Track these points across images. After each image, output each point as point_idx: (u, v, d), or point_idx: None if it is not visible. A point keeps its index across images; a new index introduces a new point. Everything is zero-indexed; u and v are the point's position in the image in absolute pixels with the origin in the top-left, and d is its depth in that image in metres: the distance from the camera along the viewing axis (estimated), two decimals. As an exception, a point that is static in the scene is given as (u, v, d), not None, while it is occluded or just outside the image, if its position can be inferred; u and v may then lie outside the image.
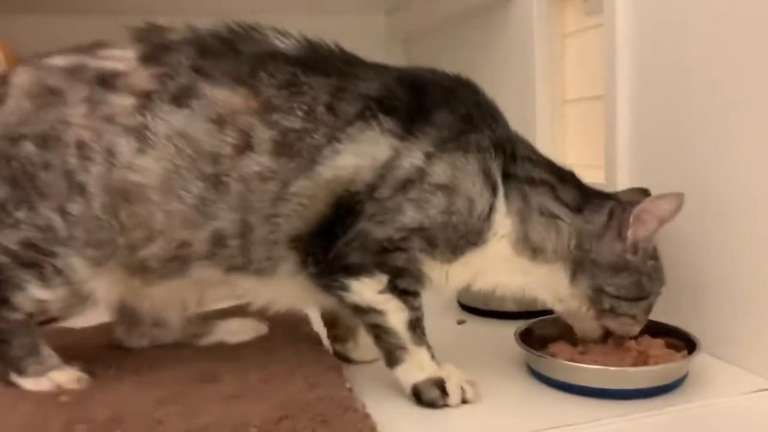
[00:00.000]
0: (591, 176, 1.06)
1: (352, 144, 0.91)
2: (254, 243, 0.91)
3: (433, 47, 2.07)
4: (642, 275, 0.98)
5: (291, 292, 0.98)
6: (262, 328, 1.14)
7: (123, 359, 1.04)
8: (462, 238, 0.94)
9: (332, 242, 0.91)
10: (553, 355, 1.02)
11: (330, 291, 0.94)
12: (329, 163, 0.90)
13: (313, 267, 0.92)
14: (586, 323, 1.03)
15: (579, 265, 0.98)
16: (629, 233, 0.96)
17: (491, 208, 0.95)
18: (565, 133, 1.49)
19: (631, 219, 0.96)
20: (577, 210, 0.98)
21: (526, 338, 1.06)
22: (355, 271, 0.91)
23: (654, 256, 0.99)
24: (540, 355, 1.01)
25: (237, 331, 1.13)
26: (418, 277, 0.95)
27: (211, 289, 1.01)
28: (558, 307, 1.03)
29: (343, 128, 0.91)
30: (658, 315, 1.04)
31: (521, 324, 1.09)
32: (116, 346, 1.09)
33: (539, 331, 1.09)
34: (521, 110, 1.45)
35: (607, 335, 1.04)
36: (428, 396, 0.92)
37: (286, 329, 1.14)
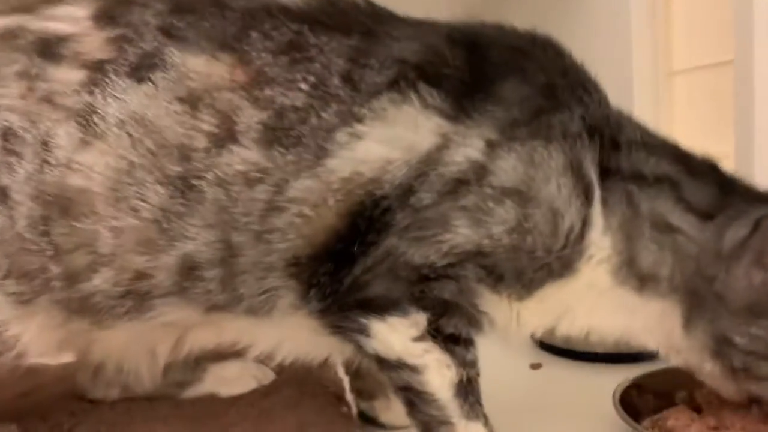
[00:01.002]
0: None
1: (380, 126, 0.64)
2: (240, 272, 0.65)
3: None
4: None
5: (297, 335, 0.70)
6: (266, 376, 0.87)
7: (89, 413, 0.80)
8: (541, 267, 0.66)
9: (345, 268, 0.64)
10: (668, 430, 0.70)
11: (344, 335, 0.66)
12: (345, 155, 0.63)
13: (318, 302, 0.65)
14: (723, 383, 0.72)
15: (697, 300, 0.68)
16: None
17: (584, 223, 0.66)
18: (673, 113, 1.16)
19: None
20: (707, 216, 0.68)
21: (630, 401, 0.75)
22: (380, 307, 0.64)
23: None
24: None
25: (233, 379, 0.86)
26: (474, 319, 0.67)
27: (189, 333, 0.74)
28: (675, 361, 0.73)
29: (367, 103, 0.64)
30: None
31: (623, 380, 0.78)
32: (79, 397, 0.84)
33: (651, 388, 0.78)
34: (613, 86, 1.13)
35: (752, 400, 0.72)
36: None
37: (299, 376, 0.86)
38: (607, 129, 0.69)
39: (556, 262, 0.66)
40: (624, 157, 0.69)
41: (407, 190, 0.62)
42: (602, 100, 0.71)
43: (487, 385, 0.93)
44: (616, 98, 1.15)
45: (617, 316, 0.71)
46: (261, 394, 0.83)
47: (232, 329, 0.71)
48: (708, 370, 0.70)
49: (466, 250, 0.63)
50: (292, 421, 0.74)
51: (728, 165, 0.96)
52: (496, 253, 0.64)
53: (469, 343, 0.66)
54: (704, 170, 0.71)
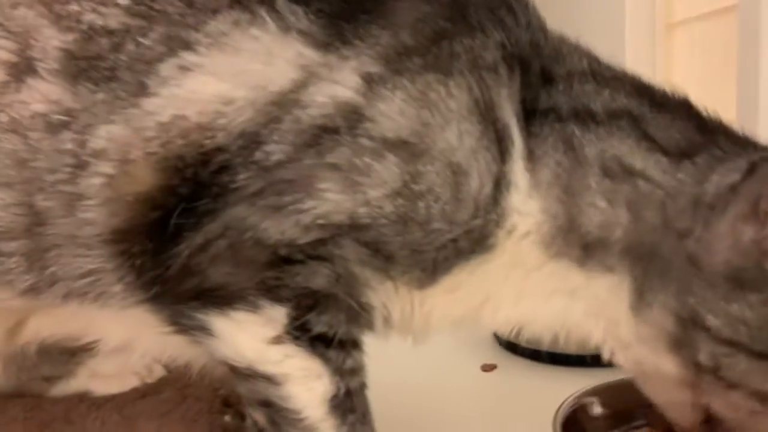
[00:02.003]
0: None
1: (218, 55, 0.48)
2: (51, 247, 0.50)
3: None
4: None
5: (145, 331, 0.55)
6: (151, 373, 0.73)
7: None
8: (444, 245, 0.50)
9: (169, 247, 0.48)
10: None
11: (186, 334, 0.51)
12: (168, 92, 0.48)
13: (145, 291, 0.50)
14: (670, 395, 0.55)
15: (657, 266, 0.51)
16: None
17: (498, 183, 0.50)
18: (672, 68, 0.99)
19: None
20: (683, 156, 0.52)
21: (580, 420, 0.59)
22: (221, 299, 0.49)
23: None
24: None
25: (110, 375, 0.72)
26: (356, 314, 0.51)
27: (27, 320, 0.60)
28: (622, 359, 0.56)
29: (201, 25, 0.48)
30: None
31: (570, 399, 0.62)
32: None
33: (605, 407, 0.62)
34: (606, 39, 0.97)
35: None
36: None
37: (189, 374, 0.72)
38: (536, 59, 0.53)
39: (464, 237, 0.50)
40: (561, 92, 0.53)
41: (252, 142, 0.47)
42: (532, 23, 0.54)
43: (426, 388, 0.81)
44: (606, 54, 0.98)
45: (552, 301, 0.54)
46: (137, 395, 0.70)
47: (68, 319, 0.57)
48: (660, 372, 0.53)
49: (336, 222, 0.48)
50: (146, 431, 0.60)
51: (731, 120, 0.80)
52: (378, 225, 0.48)
53: (349, 345, 0.51)
54: (675, 104, 0.54)
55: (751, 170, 0.50)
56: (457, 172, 0.49)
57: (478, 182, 0.49)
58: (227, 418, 0.65)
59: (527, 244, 0.52)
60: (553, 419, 0.59)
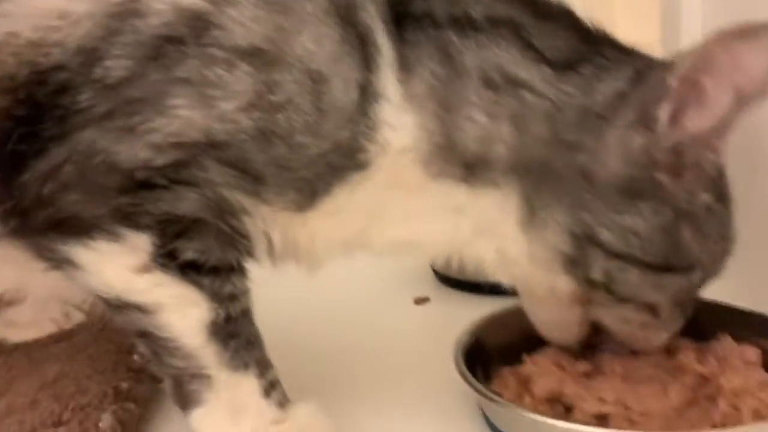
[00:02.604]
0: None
1: None
2: None
3: None
4: (683, 218, 0.49)
5: (27, 268, 0.53)
6: (69, 318, 0.72)
7: None
8: (313, 161, 0.48)
9: (15, 176, 0.46)
10: (524, 383, 0.54)
11: (54, 266, 0.50)
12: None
13: (4, 221, 0.48)
14: (559, 314, 0.55)
15: (547, 182, 0.50)
16: (662, 113, 0.47)
17: (364, 92, 0.48)
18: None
19: (673, 83, 0.46)
20: (566, 66, 0.50)
21: (481, 350, 0.58)
22: (78, 229, 0.47)
23: (717, 187, 0.50)
24: (488, 396, 0.52)
25: (26, 322, 0.71)
26: (230, 238, 0.49)
27: None
28: (513, 279, 0.56)
29: None
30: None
31: (474, 322, 0.60)
32: None
33: (504, 334, 0.60)
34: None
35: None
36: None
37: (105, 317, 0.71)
38: None
39: (333, 152, 0.48)
40: None
41: (91, 58, 0.44)
42: None
43: (355, 321, 0.80)
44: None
45: (438, 221, 0.52)
46: (51, 340, 0.68)
47: None
48: (553, 292, 0.52)
49: (191, 140, 0.45)
50: (49, 374, 0.59)
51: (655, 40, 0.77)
52: (238, 142, 0.46)
53: (225, 270, 0.49)
54: (558, 14, 0.52)
55: (638, 77, 0.48)
56: (316, 80, 0.46)
57: (341, 90, 0.47)
58: (136, 357, 0.64)
59: (405, 163, 0.50)
60: (454, 349, 0.57)
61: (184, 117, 0.45)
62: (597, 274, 0.50)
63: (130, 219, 0.46)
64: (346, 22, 0.47)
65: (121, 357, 0.63)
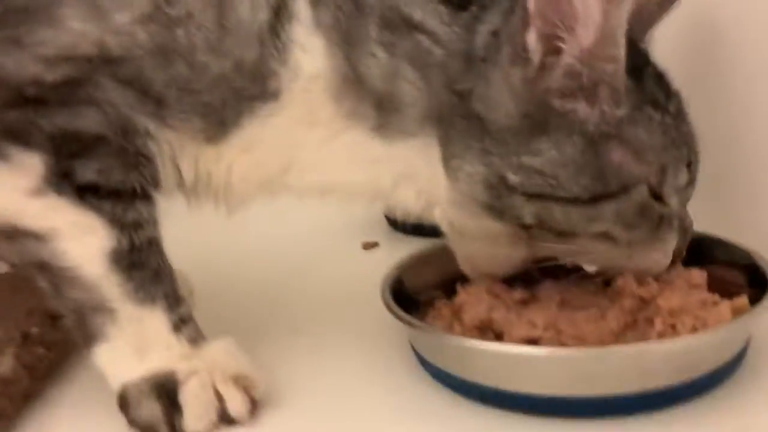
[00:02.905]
0: None
1: None
2: None
3: None
4: (601, 141, 0.46)
5: None
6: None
7: None
8: (217, 84, 0.46)
9: None
10: (456, 313, 0.51)
11: None
12: None
13: None
14: (495, 252, 0.52)
15: (454, 129, 0.47)
16: (530, 40, 0.44)
17: (277, 12, 0.45)
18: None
19: (532, 4, 0.43)
20: (461, 6, 0.47)
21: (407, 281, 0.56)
22: None
23: (639, 95, 0.47)
24: (412, 322, 0.50)
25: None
26: (134, 161, 0.47)
27: None
28: (446, 226, 0.53)
29: None
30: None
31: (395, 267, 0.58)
32: None
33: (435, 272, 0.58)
34: None
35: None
36: (141, 415, 0.46)
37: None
38: None
39: (237, 74, 0.45)
40: None
41: None
42: None
43: (302, 265, 0.77)
44: None
45: (357, 171, 0.50)
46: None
47: None
48: (489, 235, 0.50)
49: (83, 54, 0.43)
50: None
51: None
52: (134, 58, 0.43)
53: (128, 195, 0.46)
54: None
55: (510, 10, 0.45)
56: None
57: (248, 5, 0.44)
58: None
59: (317, 94, 0.47)
60: (381, 283, 0.55)
61: (75, 29, 0.42)
62: (528, 218, 0.47)
63: (20, 137, 0.44)
64: None
65: (39, 302, 0.60)
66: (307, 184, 0.52)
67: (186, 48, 0.44)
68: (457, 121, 0.47)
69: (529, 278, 0.55)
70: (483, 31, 0.47)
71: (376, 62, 0.47)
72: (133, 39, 0.44)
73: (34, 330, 0.55)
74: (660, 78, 0.50)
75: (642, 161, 0.47)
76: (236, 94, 0.47)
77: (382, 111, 0.48)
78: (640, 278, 0.51)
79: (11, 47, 0.43)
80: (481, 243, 0.52)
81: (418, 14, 0.47)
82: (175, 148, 0.48)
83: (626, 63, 0.46)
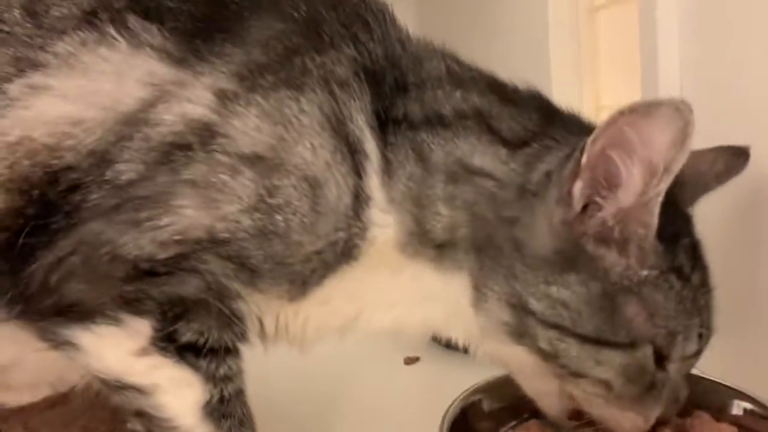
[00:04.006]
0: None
1: (67, 75, 0.49)
2: None
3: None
4: (619, 293, 0.51)
5: (27, 346, 0.55)
6: (65, 381, 0.74)
7: None
8: (308, 258, 0.52)
9: (25, 266, 0.49)
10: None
11: (56, 348, 0.52)
12: (16, 114, 0.48)
13: (10, 307, 0.51)
14: (539, 385, 0.58)
15: (490, 257, 0.53)
16: (576, 189, 0.50)
17: (357, 197, 0.52)
18: (598, 55, 0.98)
19: (584, 159, 0.49)
20: (520, 145, 0.54)
21: (466, 421, 0.60)
22: (81, 314, 0.50)
23: (666, 263, 0.52)
24: None
25: (21, 386, 0.73)
26: (229, 321, 0.52)
27: None
28: (481, 354, 0.59)
29: (51, 44, 0.49)
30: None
31: (459, 398, 0.63)
32: None
33: (494, 403, 0.63)
34: (527, 23, 0.96)
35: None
36: None
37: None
38: (390, 69, 0.54)
39: (329, 249, 0.52)
40: (413, 101, 0.54)
41: (102, 161, 0.48)
42: (388, 35, 0.55)
43: (345, 381, 0.82)
44: (530, 41, 0.99)
45: (417, 307, 0.56)
46: (46, 405, 0.71)
47: None
48: (518, 362, 0.55)
49: (194, 238, 0.49)
50: None
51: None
52: (238, 240, 0.50)
53: (222, 352, 0.52)
54: (525, 97, 0.56)
55: (567, 157, 0.52)
56: (313, 185, 0.50)
57: (335, 194, 0.51)
58: (129, 425, 0.66)
59: (386, 249, 0.54)
60: (441, 421, 0.59)
61: (189, 216, 0.48)
62: (543, 343, 0.53)
63: (132, 305, 0.49)
64: (338, 134, 0.51)
65: (116, 426, 0.65)
66: (374, 327, 0.58)
67: (283, 230, 0.50)
68: (492, 249, 0.53)
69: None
70: (540, 168, 0.53)
71: (440, 218, 0.53)
72: (239, 225, 0.50)
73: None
74: (693, 248, 0.55)
75: (653, 323, 0.52)
76: (325, 264, 0.53)
77: (439, 249, 0.54)
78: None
79: (132, 229, 0.49)
80: (522, 375, 0.58)
81: (478, 160, 0.53)
82: (261, 307, 0.54)
83: (665, 227, 0.51)
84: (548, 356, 0.53)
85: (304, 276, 0.53)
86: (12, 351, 0.60)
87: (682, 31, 0.73)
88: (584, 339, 0.51)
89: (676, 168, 0.47)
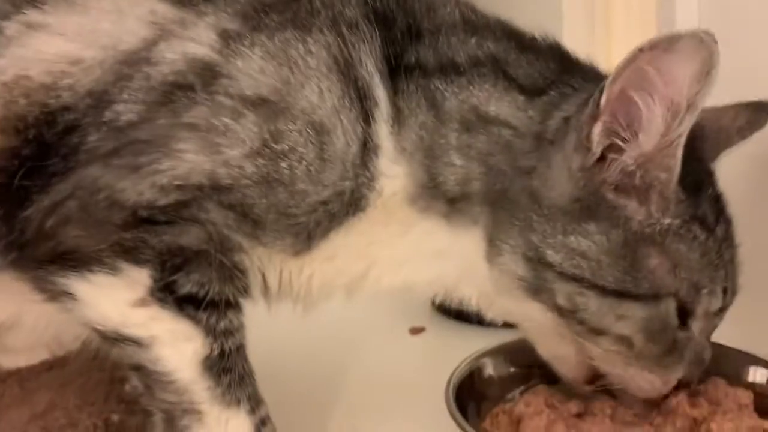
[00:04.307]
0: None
1: (65, 12, 0.48)
2: None
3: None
4: (640, 242, 0.50)
5: (24, 300, 0.53)
6: (62, 344, 0.73)
7: None
8: (314, 208, 0.50)
9: (19, 210, 0.48)
10: (515, 423, 0.55)
11: (54, 300, 0.51)
12: (12, 53, 0.47)
13: (5, 254, 0.49)
14: (556, 348, 0.56)
15: (506, 209, 0.52)
16: (595, 134, 0.48)
17: (365, 146, 0.50)
18: (612, 32, 0.96)
19: (603, 101, 0.47)
20: (537, 93, 0.52)
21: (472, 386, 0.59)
22: (78, 262, 0.48)
23: (689, 213, 0.50)
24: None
25: (20, 348, 0.71)
26: (230, 274, 0.51)
27: None
28: (494, 313, 0.58)
29: None
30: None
31: (464, 363, 0.61)
32: None
33: (502, 368, 0.61)
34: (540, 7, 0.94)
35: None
36: None
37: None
38: (403, 14, 0.52)
39: (335, 199, 0.50)
40: (427, 47, 0.52)
41: (101, 101, 0.46)
42: None
43: (350, 351, 0.81)
44: (542, 20, 0.96)
45: (427, 264, 0.54)
46: (44, 368, 0.70)
47: None
48: (533, 321, 0.54)
49: (196, 183, 0.47)
50: (40, 404, 0.60)
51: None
52: (241, 187, 0.48)
53: (222, 305, 0.51)
54: (543, 46, 0.54)
55: (585, 102, 0.50)
56: (320, 132, 0.49)
57: (343, 142, 0.49)
58: (128, 387, 0.65)
59: (395, 202, 0.52)
60: (446, 385, 0.58)
61: (190, 161, 0.47)
62: (561, 298, 0.51)
63: (131, 253, 0.48)
64: (346, 77, 0.49)
65: (112, 388, 0.64)
66: (382, 286, 0.56)
67: (288, 178, 0.49)
68: (507, 201, 0.51)
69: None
70: (557, 116, 0.51)
71: (453, 170, 0.51)
72: (242, 171, 0.48)
73: (114, 417, 0.59)
74: (716, 200, 0.54)
75: (676, 274, 0.50)
76: (330, 216, 0.51)
77: (452, 203, 0.52)
78: (692, 398, 0.55)
79: (130, 173, 0.47)
80: (538, 337, 0.56)
81: (493, 108, 0.51)
82: (264, 261, 0.53)
83: (687, 177, 0.50)
84: (566, 313, 0.51)
85: (308, 228, 0.51)
86: (9, 308, 0.58)
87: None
88: (604, 291, 0.49)
89: (701, 104, 0.46)
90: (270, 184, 0.48)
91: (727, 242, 0.53)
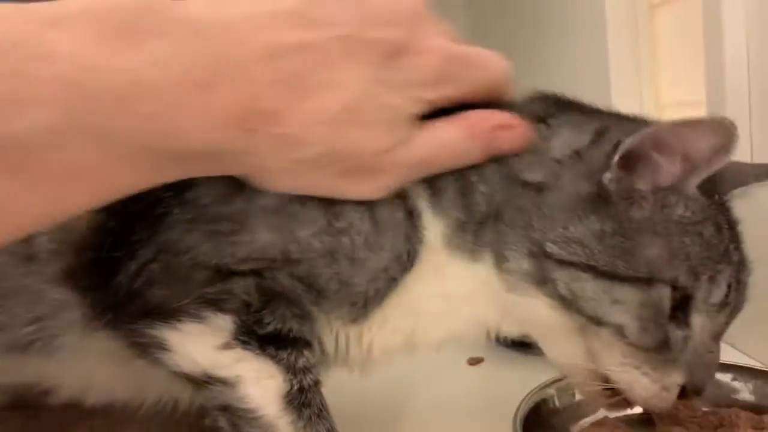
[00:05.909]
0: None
1: None
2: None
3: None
4: (635, 229, 0.53)
5: (103, 365, 0.60)
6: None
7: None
8: (375, 276, 0.55)
9: (112, 276, 0.53)
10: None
11: (146, 354, 0.56)
12: None
13: (101, 317, 0.55)
14: (564, 346, 0.57)
15: (505, 218, 0.55)
16: (607, 180, 0.53)
17: (409, 212, 0.55)
18: (656, 51, 0.99)
19: (628, 142, 0.52)
20: (538, 120, 0.57)
21: (539, 417, 0.62)
22: (166, 314, 0.53)
23: (697, 206, 0.54)
24: None
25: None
26: (306, 315, 0.55)
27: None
28: (511, 328, 0.60)
29: None
30: None
31: (530, 394, 0.64)
32: None
33: (567, 399, 0.64)
34: (586, 23, 0.97)
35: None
36: None
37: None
38: None
39: (395, 262, 0.55)
40: None
41: (183, 185, 0.51)
42: None
43: (410, 386, 0.84)
44: (588, 37, 1.00)
45: (463, 303, 0.57)
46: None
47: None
48: (541, 318, 0.55)
49: (269, 257, 0.53)
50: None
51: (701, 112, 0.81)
52: (308, 260, 0.53)
53: (300, 343, 0.55)
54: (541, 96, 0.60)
55: (598, 136, 0.55)
56: (369, 206, 0.53)
57: (388, 211, 0.54)
58: (207, 421, 0.69)
59: (437, 247, 0.56)
60: (513, 417, 0.61)
61: (265, 239, 0.52)
62: (562, 287, 0.54)
63: (215, 304, 0.53)
64: None
65: (196, 420, 0.68)
66: (432, 338, 0.59)
67: (349, 249, 0.54)
68: (509, 212, 0.55)
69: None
70: (566, 140, 0.55)
71: (481, 197, 0.55)
72: (310, 247, 0.53)
73: (199, 450, 0.63)
74: (726, 210, 0.57)
75: (674, 260, 0.52)
76: (389, 281, 0.55)
77: (476, 234, 0.56)
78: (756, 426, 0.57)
79: (212, 237, 0.52)
80: (548, 337, 0.58)
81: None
82: (324, 330, 0.57)
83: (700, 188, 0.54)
84: (568, 303, 0.54)
85: (367, 296, 0.55)
86: (81, 379, 0.62)
87: (749, 26, 0.73)
88: (597, 272, 0.52)
89: (715, 167, 0.52)
90: (333, 255, 0.53)
91: (735, 244, 0.56)
